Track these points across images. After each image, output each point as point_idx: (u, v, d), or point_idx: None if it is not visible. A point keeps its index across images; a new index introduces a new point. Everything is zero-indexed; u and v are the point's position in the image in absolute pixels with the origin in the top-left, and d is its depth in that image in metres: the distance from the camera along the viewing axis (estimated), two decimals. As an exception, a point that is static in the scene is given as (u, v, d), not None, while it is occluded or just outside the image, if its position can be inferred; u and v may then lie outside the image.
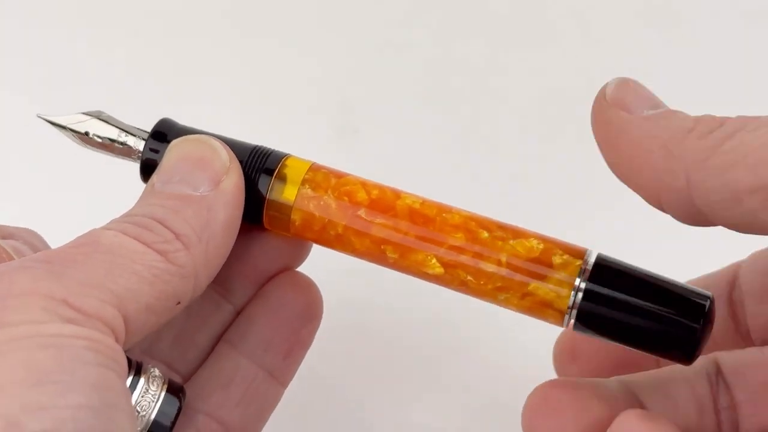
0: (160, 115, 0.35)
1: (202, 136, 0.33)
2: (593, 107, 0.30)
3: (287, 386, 0.37)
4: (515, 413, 0.33)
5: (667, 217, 0.30)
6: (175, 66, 0.54)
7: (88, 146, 0.35)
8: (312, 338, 0.37)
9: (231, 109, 0.50)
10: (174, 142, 0.33)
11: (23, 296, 0.26)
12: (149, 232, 0.30)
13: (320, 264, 0.36)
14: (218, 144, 0.33)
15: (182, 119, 0.35)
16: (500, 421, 0.41)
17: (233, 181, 0.32)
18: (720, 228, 0.29)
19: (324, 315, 0.37)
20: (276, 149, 0.34)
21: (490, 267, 0.31)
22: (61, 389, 0.25)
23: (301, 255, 0.37)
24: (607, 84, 0.30)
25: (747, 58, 0.53)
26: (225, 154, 0.32)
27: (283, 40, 0.55)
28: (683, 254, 0.39)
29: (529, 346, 0.42)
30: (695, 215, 0.28)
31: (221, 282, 0.36)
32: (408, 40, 0.54)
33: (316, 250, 0.36)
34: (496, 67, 0.54)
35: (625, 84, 0.30)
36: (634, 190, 0.30)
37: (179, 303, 0.30)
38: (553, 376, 0.37)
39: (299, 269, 0.37)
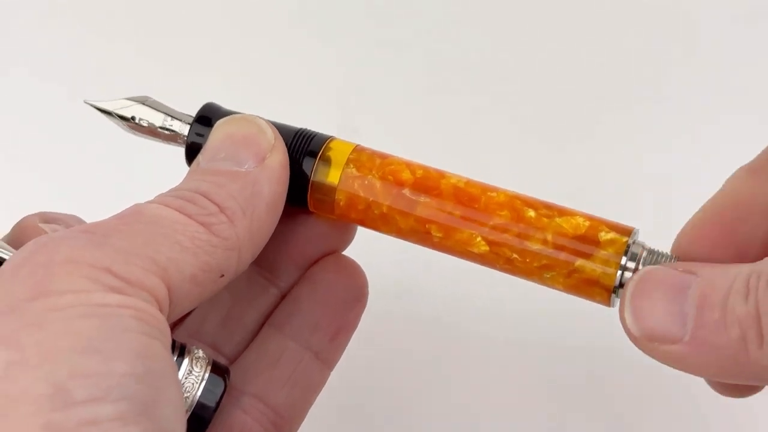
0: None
1: (248, 115, 0.33)
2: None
3: (333, 368, 0.37)
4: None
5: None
6: (173, 66, 0.54)
7: (134, 132, 0.35)
8: (358, 320, 0.37)
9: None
10: (220, 122, 0.33)
11: (67, 265, 0.26)
12: (193, 205, 0.30)
13: (366, 249, 0.36)
14: (264, 122, 0.33)
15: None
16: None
17: (278, 158, 0.32)
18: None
19: (369, 299, 0.37)
20: (320, 132, 0.34)
21: (535, 245, 0.30)
22: (106, 357, 0.25)
23: (346, 239, 0.37)
24: (624, 319, 0.28)
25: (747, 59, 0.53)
26: (270, 132, 0.33)
27: (283, 39, 0.55)
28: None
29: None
30: None
31: (267, 265, 0.36)
32: (408, 39, 0.54)
33: (361, 236, 0.36)
34: (496, 66, 0.54)
35: (637, 311, 0.28)
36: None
37: (223, 276, 0.30)
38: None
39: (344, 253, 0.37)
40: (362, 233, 0.36)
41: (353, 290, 0.36)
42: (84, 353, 0.25)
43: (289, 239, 0.36)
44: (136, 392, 0.25)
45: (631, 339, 0.29)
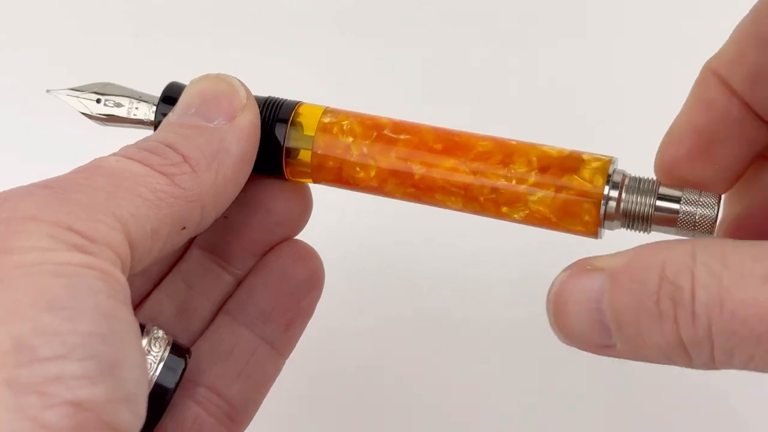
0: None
1: (222, 73, 0.33)
2: None
3: (287, 357, 0.35)
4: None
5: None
6: (173, 66, 0.54)
7: (99, 122, 0.34)
8: (313, 308, 0.36)
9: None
10: (193, 79, 0.33)
11: (29, 222, 0.25)
12: (156, 156, 0.29)
13: (321, 234, 0.36)
14: (237, 81, 0.33)
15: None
16: None
17: (249, 117, 0.32)
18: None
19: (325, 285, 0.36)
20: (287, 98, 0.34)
21: (521, 168, 0.31)
22: (71, 315, 0.24)
23: (300, 222, 0.36)
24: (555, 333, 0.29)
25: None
26: (243, 92, 0.32)
27: (282, 39, 0.56)
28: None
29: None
30: None
31: (221, 253, 0.35)
32: (408, 40, 0.56)
33: (316, 217, 0.35)
34: (496, 66, 0.55)
35: (564, 331, 0.28)
36: None
37: (185, 228, 0.30)
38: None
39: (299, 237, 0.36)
40: (318, 216, 0.35)
41: (309, 276, 0.36)
42: (49, 311, 0.24)
43: (244, 225, 0.35)
44: (102, 352, 0.24)
45: None
